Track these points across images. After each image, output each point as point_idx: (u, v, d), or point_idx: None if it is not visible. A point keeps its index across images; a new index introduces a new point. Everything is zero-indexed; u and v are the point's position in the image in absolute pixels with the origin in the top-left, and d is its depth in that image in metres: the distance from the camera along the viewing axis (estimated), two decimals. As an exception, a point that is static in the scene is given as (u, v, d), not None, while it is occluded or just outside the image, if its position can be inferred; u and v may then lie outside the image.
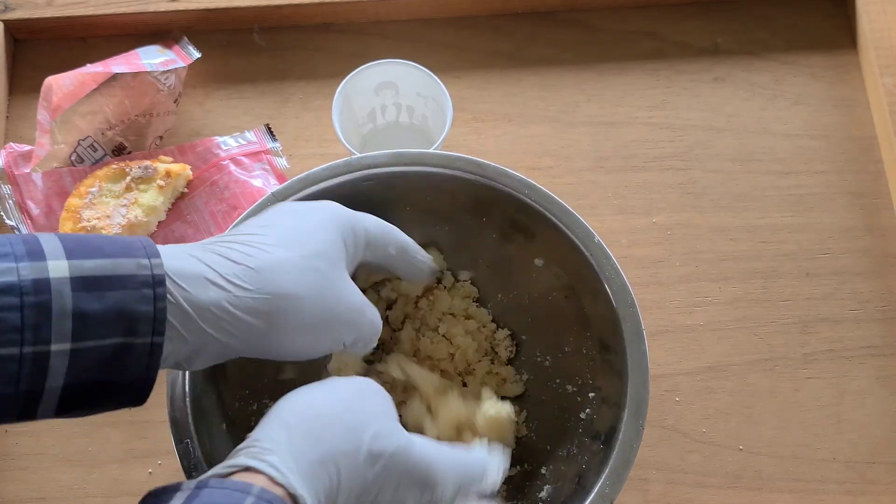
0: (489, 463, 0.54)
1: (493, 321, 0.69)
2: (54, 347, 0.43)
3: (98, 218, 0.74)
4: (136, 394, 0.46)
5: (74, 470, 0.71)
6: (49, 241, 0.44)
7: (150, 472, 0.71)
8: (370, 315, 0.55)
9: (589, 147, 0.81)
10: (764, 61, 0.84)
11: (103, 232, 0.73)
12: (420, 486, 0.49)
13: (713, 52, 0.85)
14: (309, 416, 0.48)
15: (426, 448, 0.50)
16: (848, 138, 0.82)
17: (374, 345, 0.57)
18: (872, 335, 0.75)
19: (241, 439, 0.60)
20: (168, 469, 0.71)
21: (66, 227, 0.74)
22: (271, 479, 0.44)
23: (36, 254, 0.43)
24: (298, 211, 0.55)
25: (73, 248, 0.44)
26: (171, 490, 0.43)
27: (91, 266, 0.44)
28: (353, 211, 0.57)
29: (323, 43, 0.85)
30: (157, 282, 0.45)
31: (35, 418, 0.45)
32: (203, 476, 0.44)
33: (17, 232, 0.75)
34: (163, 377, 0.53)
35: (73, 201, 0.75)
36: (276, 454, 0.45)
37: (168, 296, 0.46)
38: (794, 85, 0.84)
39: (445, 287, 0.69)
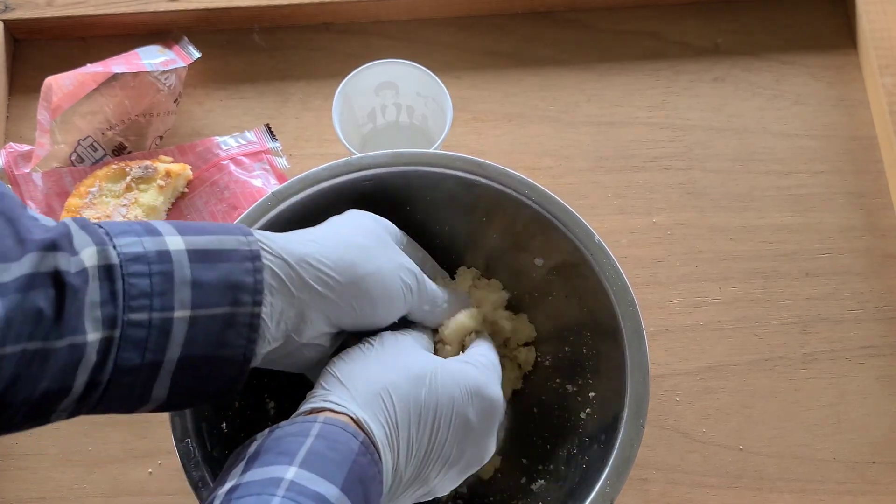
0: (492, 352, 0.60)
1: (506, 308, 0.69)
2: (177, 314, 0.45)
3: (98, 218, 0.74)
4: (235, 375, 0.48)
5: (74, 470, 0.71)
6: (161, 224, 0.48)
7: (150, 472, 0.71)
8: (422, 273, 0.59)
9: (589, 147, 0.81)
10: (764, 61, 0.84)
11: (103, 232, 0.73)
12: (473, 393, 0.53)
13: (713, 52, 0.85)
14: (355, 363, 0.52)
15: (461, 363, 0.55)
16: (848, 138, 0.82)
17: (440, 302, 0.60)
18: (872, 335, 0.75)
19: (242, 439, 0.61)
20: (168, 469, 0.71)
21: (66, 227, 0.74)
22: (334, 411, 0.48)
23: (153, 231, 0.47)
24: (335, 216, 0.60)
25: (182, 227, 0.48)
26: (248, 441, 0.48)
27: (202, 241, 0.47)
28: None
29: (323, 43, 0.85)
30: (254, 256, 0.48)
31: (149, 400, 0.46)
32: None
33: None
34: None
35: (73, 201, 0.75)
36: (335, 394, 0.50)
37: (270, 251, 0.49)
38: (794, 85, 0.84)
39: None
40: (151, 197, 0.75)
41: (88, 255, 0.44)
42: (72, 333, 0.43)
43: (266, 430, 0.47)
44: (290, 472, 0.43)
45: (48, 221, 0.45)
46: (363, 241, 0.55)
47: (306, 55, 0.84)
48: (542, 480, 0.63)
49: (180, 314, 0.45)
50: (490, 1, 0.84)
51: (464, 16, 0.86)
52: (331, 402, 0.49)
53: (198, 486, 0.55)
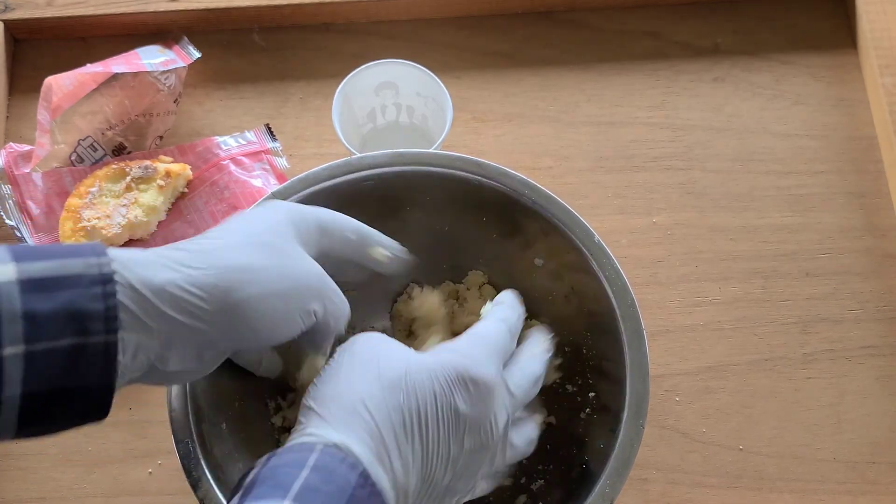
0: (500, 313, 0.56)
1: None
2: (7, 351, 0.41)
3: (98, 218, 0.74)
4: (97, 403, 0.45)
5: (74, 470, 0.71)
6: None
7: (150, 472, 0.71)
8: (332, 284, 0.54)
9: (589, 147, 0.81)
10: (764, 61, 0.84)
11: (103, 232, 0.73)
12: (457, 384, 0.50)
13: (713, 52, 0.85)
14: (325, 385, 0.49)
15: (439, 351, 0.52)
16: (848, 138, 0.82)
17: (346, 320, 0.55)
18: (872, 335, 0.75)
19: (241, 438, 0.61)
20: (168, 469, 0.71)
21: (67, 227, 0.74)
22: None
23: None
24: (245, 212, 0.55)
25: (21, 252, 0.44)
26: (249, 469, 0.45)
27: (38, 268, 0.43)
28: (300, 204, 0.56)
29: (323, 43, 0.85)
30: (105, 279, 0.44)
31: None
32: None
33: (17, 232, 0.75)
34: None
35: (73, 201, 0.75)
36: (311, 424, 0.47)
37: (121, 280, 0.45)
38: (794, 85, 0.84)
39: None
40: (151, 197, 0.75)
41: None
42: None
43: (265, 457, 0.46)
44: None
45: None
46: (251, 257, 0.49)
47: (306, 55, 0.84)
48: (542, 480, 0.63)
49: (11, 351, 0.41)
50: (490, 1, 0.84)
51: (464, 16, 0.86)
52: (308, 434, 0.47)
53: (197, 486, 0.55)
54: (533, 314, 0.68)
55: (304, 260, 0.52)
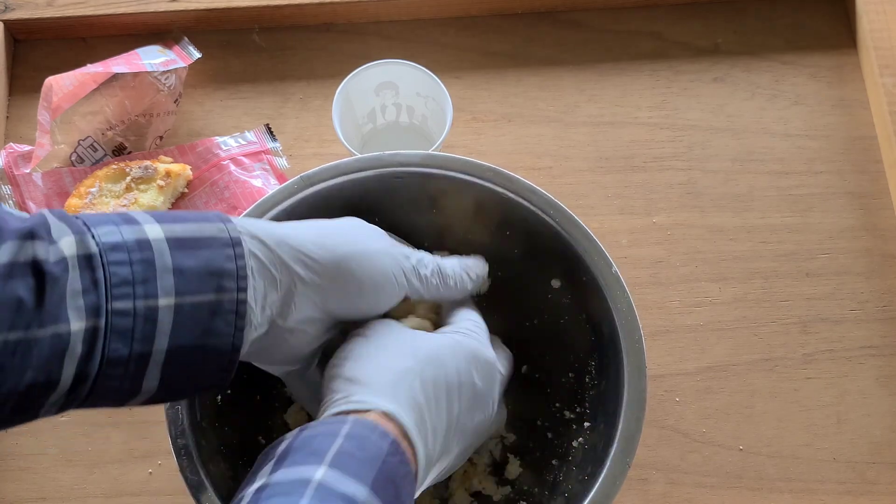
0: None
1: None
2: (161, 302, 0.44)
3: (98, 218, 0.74)
4: (226, 362, 0.48)
5: (74, 470, 0.71)
6: (138, 213, 0.47)
7: (150, 473, 0.71)
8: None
9: (589, 147, 0.81)
10: (764, 61, 0.84)
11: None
12: (472, 360, 0.54)
13: (713, 52, 0.85)
14: (362, 360, 0.52)
15: (450, 333, 0.56)
16: (848, 138, 0.82)
17: (432, 264, 0.58)
18: (872, 335, 0.75)
19: (239, 437, 0.61)
20: (168, 469, 0.71)
21: (67, 227, 0.74)
22: (360, 411, 0.48)
23: (131, 220, 0.46)
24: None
25: (160, 216, 0.47)
26: (278, 441, 0.47)
27: (180, 229, 0.47)
28: None
29: (323, 43, 0.85)
30: (235, 242, 0.48)
31: (139, 392, 0.46)
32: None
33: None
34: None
35: (73, 201, 0.75)
36: (356, 394, 0.49)
37: (247, 235, 0.49)
38: (794, 85, 0.84)
39: None
40: (151, 197, 0.75)
41: (67, 245, 0.43)
42: (54, 322, 0.42)
43: (296, 430, 0.47)
44: (319, 473, 0.43)
45: (23, 214, 0.44)
46: (348, 226, 0.55)
47: (306, 55, 0.84)
48: (524, 503, 0.63)
49: (165, 302, 0.45)
50: (490, 1, 0.84)
51: (464, 16, 0.86)
52: (356, 402, 0.49)
53: (193, 482, 0.55)
54: (544, 334, 0.67)
55: (392, 239, 0.58)
